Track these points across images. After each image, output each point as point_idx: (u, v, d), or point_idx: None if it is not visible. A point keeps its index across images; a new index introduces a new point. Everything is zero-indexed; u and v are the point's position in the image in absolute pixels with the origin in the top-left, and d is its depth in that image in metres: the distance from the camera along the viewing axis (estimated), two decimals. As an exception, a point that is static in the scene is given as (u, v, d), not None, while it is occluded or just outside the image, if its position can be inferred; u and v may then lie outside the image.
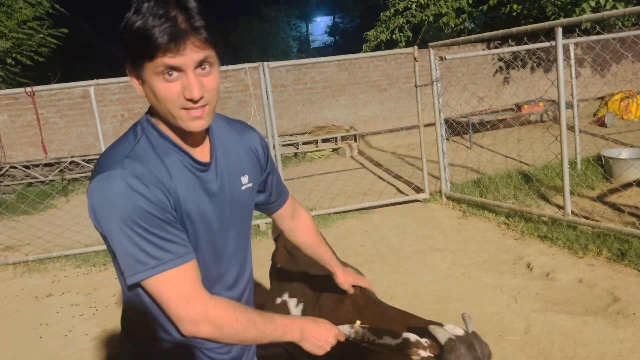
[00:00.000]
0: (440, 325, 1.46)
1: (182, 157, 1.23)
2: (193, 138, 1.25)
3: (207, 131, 1.29)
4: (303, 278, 2.09)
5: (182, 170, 1.23)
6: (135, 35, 1.09)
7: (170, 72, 1.11)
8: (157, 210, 1.15)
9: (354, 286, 1.81)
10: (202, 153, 1.28)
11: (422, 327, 1.49)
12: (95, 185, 1.14)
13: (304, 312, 1.94)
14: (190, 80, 1.12)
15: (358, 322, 1.47)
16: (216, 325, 1.17)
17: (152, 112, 1.25)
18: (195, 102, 1.13)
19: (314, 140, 10.01)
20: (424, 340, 1.42)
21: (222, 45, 1.18)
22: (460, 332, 1.42)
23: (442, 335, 1.40)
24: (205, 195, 1.27)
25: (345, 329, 1.43)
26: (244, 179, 1.38)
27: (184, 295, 1.15)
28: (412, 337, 1.42)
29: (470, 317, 1.48)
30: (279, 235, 2.62)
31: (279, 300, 2.09)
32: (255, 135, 1.46)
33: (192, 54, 1.10)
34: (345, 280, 1.77)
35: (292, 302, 2.02)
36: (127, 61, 1.16)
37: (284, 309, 2.02)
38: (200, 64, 1.13)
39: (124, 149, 1.19)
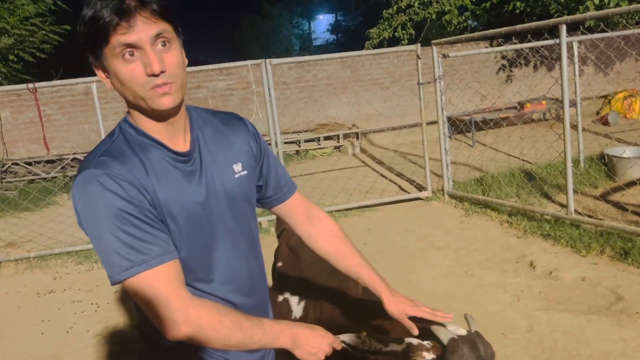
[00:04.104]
0: (443, 325, 1.44)
1: (161, 151, 1.20)
2: (170, 130, 1.21)
3: (187, 123, 1.26)
4: (305, 276, 2.07)
5: (163, 165, 1.19)
6: (89, 24, 1.09)
7: (130, 52, 1.10)
8: (132, 209, 1.12)
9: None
10: (182, 145, 1.24)
11: (425, 327, 1.48)
12: (74, 188, 1.14)
13: (306, 311, 1.93)
14: (149, 55, 1.10)
15: (364, 333, 1.43)
16: (199, 327, 1.12)
17: (130, 113, 1.23)
18: (156, 76, 1.11)
19: (316, 138, 9.99)
20: (426, 343, 1.40)
21: (177, 21, 1.17)
22: (463, 332, 1.40)
23: (444, 336, 1.38)
24: (190, 188, 1.22)
25: (352, 339, 1.38)
26: (237, 167, 1.32)
27: (162, 297, 1.11)
28: (414, 340, 1.40)
29: (472, 317, 1.46)
30: (282, 232, 2.61)
31: (280, 298, 2.08)
32: (244, 123, 1.41)
33: (145, 28, 1.09)
34: (397, 307, 1.45)
35: (293, 300, 2.01)
36: (89, 55, 1.15)
37: (285, 307, 2.01)
38: (157, 39, 1.11)
39: (99, 149, 1.18)
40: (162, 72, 1.11)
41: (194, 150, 1.25)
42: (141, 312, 1.29)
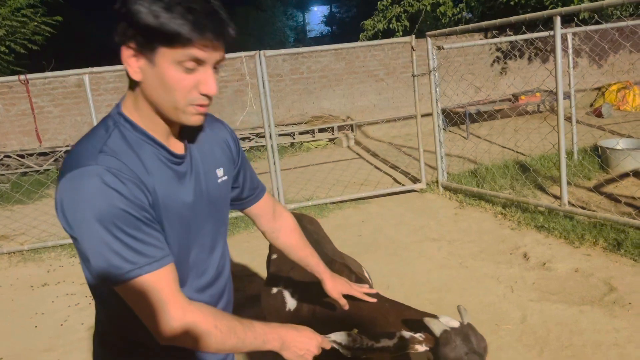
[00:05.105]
0: (436, 317, 1.44)
1: (158, 150, 1.17)
2: (169, 131, 1.19)
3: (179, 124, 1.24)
4: (299, 269, 2.07)
5: (158, 165, 1.16)
6: (170, 16, 1.02)
7: (192, 64, 1.07)
8: (135, 209, 1.07)
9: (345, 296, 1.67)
10: (176, 146, 1.23)
11: (417, 320, 1.48)
12: (66, 183, 1.06)
13: (300, 303, 1.93)
14: (209, 75, 1.09)
15: (355, 330, 1.43)
16: (194, 333, 1.11)
17: (124, 103, 1.18)
18: (209, 97, 1.11)
19: (310, 130, 9.97)
20: (418, 335, 1.40)
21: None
22: (455, 324, 1.40)
23: (437, 328, 1.38)
24: (182, 189, 1.21)
25: (342, 337, 1.38)
26: (219, 172, 1.32)
27: (161, 301, 1.09)
28: (406, 334, 1.40)
29: (465, 309, 1.46)
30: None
31: (275, 290, 2.08)
32: (224, 127, 1.40)
33: (220, 51, 1.09)
34: (334, 288, 1.64)
35: (287, 293, 2.01)
36: (135, 40, 1.06)
37: (279, 299, 2.01)
38: (217, 63, 1.11)
39: (96, 143, 1.10)
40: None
41: (187, 153, 1.25)
42: (108, 315, 1.27)
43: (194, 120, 1.14)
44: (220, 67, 1.15)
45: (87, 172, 1.05)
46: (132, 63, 1.09)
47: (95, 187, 1.05)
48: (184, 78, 1.07)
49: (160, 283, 1.10)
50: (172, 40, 1.03)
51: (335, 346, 1.35)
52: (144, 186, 1.11)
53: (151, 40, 1.04)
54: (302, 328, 1.31)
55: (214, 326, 1.13)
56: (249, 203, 1.54)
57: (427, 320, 1.40)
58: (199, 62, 1.07)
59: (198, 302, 1.18)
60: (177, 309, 1.10)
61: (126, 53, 1.08)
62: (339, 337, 1.37)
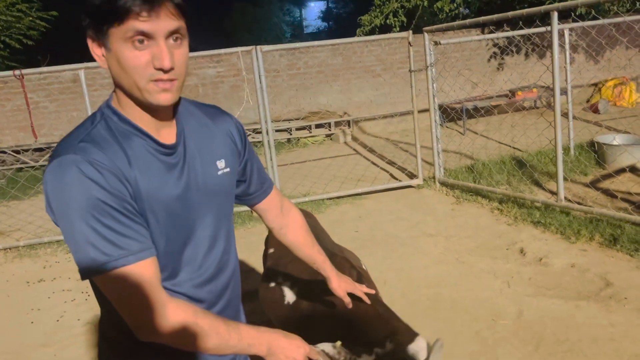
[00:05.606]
0: (413, 338, 1.43)
1: (145, 141, 1.14)
2: (158, 120, 1.16)
3: (173, 114, 1.21)
4: (296, 263, 2.07)
5: (145, 156, 1.13)
6: None
7: (140, 39, 1.04)
8: (113, 200, 1.05)
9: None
10: (167, 137, 1.19)
11: (393, 332, 1.52)
12: (47, 174, 1.06)
13: (299, 296, 1.93)
14: (161, 48, 1.05)
15: (339, 343, 1.42)
16: (173, 330, 1.08)
17: (113, 97, 1.17)
18: (165, 71, 1.06)
19: (307, 126, 9.96)
20: (389, 348, 1.42)
21: (190, 20, 1.12)
22: (421, 355, 1.38)
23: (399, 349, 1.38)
24: (172, 181, 1.17)
25: (329, 348, 1.37)
26: (220, 164, 1.28)
27: (138, 296, 1.06)
28: (380, 350, 1.43)
29: (441, 346, 1.39)
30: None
31: (272, 284, 2.08)
32: (230, 119, 1.36)
33: (166, 20, 1.05)
34: (339, 286, 1.65)
35: (286, 286, 2.01)
36: (91, 27, 1.07)
37: (277, 293, 2.01)
38: (172, 34, 1.07)
39: (79, 134, 1.10)
40: (171, 68, 1.07)
41: (179, 143, 1.21)
42: (104, 310, 1.24)
43: (162, 98, 1.09)
44: (182, 37, 1.10)
45: (65, 162, 1.05)
46: (97, 52, 1.10)
47: (73, 177, 1.04)
48: (137, 55, 1.05)
49: (137, 277, 1.07)
50: (114, 16, 1.02)
51: (322, 357, 1.34)
52: (123, 177, 1.09)
53: (100, 23, 1.05)
54: (292, 336, 1.28)
55: (195, 324, 1.10)
56: (257, 198, 1.49)
57: (398, 338, 1.40)
58: (146, 35, 1.04)
59: (180, 299, 1.15)
60: (156, 305, 1.07)
61: (90, 44, 1.10)
62: (326, 347, 1.37)
